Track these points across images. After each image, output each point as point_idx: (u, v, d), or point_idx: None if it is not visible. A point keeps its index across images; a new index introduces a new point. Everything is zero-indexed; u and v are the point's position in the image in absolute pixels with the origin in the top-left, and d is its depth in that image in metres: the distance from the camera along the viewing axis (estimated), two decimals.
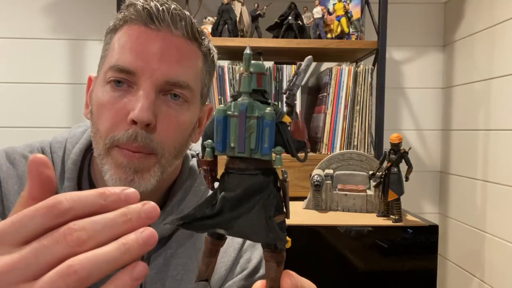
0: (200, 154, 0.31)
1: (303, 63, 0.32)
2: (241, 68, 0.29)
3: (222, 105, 0.29)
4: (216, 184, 0.31)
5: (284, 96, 0.32)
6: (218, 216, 0.28)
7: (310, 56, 0.33)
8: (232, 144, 0.28)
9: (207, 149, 0.29)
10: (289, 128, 0.29)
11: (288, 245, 0.29)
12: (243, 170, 0.28)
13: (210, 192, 0.72)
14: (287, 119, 0.29)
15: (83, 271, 0.25)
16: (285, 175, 0.30)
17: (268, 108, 0.28)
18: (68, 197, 0.27)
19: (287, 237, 0.29)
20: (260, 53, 0.31)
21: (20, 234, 0.26)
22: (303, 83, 0.33)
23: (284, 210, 0.30)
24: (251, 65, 0.29)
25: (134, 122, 0.54)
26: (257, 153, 0.28)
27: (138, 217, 0.27)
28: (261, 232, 0.27)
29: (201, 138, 0.31)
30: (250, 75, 0.29)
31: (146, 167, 0.56)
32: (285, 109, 0.31)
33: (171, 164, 0.60)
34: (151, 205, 0.28)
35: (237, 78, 0.30)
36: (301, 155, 0.30)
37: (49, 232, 0.26)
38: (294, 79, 0.32)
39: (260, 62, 0.30)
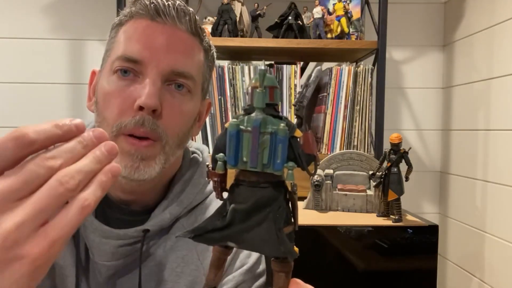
0: (210, 166, 0.31)
1: (313, 75, 0.32)
2: (253, 82, 0.29)
3: (234, 119, 0.29)
4: (225, 195, 0.31)
5: (294, 108, 0.32)
6: (228, 228, 0.28)
7: (319, 67, 0.33)
8: (244, 159, 0.28)
9: (218, 162, 0.29)
10: (299, 141, 0.30)
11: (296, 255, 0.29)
12: (253, 182, 0.29)
13: (210, 195, 0.72)
14: (298, 133, 0.30)
15: (72, 181, 0.30)
16: (295, 188, 0.30)
17: (282, 124, 0.28)
18: (31, 129, 0.30)
19: (295, 247, 0.29)
20: (271, 65, 0.32)
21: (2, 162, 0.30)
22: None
23: (292, 221, 0.30)
24: (265, 80, 0.29)
25: (141, 108, 0.55)
26: (270, 168, 0.28)
27: (92, 142, 0.33)
28: (272, 245, 0.27)
29: (211, 149, 0.31)
30: (264, 91, 0.29)
31: (152, 155, 0.58)
32: (294, 120, 0.31)
33: (174, 153, 0.62)
34: (98, 131, 0.33)
35: (249, 91, 0.30)
36: (310, 168, 0.30)
37: (21, 162, 0.30)
38: (304, 91, 0.32)
39: (272, 75, 0.30)
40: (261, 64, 0.33)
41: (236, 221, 0.28)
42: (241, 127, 0.28)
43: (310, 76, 0.32)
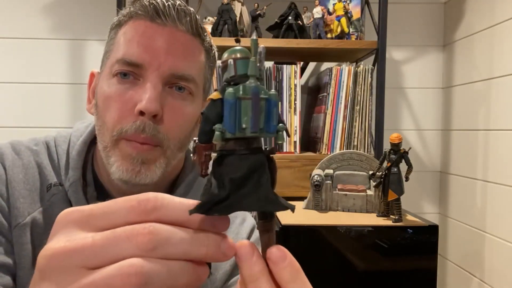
0: (197, 140, 0.31)
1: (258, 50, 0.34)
2: (236, 53, 0.31)
3: (230, 89, 0.30)
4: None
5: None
6: (231, 197, 0.29)
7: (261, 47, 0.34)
8: (244, 125, 0.29)
9: (216, 132, 0.30)
10: None
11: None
12: (243, 150, 0.30)
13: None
14: None
15: (142, 277, 0.25)
16: (274, 151, 0.33)
17: (273, 90, 0.31)
18: (159, 198, 0.27)
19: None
20: (238, 40, 0.33)
21: (104, 220, 0.27)
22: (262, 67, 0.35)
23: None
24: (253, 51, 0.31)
25: (141, 113, 0.55)
26: (264, 132, 0.30)
27: (215, 250, 0.27)
28: (274, 203, 0.30)
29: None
30: (255, 60, 0.31)
31: (152, 159, 0.58)
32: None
33: (175, 157, 0.61)
34: (229, 244, 0.28)
35: (230, 63, 0.31)
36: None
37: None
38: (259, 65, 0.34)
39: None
40: (253, 36, 0.35)
41: (236, 189, 0.29)
42: (239, 95, 0.30)
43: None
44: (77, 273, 0.25)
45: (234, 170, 0.30)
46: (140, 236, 0.25)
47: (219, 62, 0.31)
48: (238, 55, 0.31)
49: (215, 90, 0.31)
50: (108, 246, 0.25)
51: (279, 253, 0.29)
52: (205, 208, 0.28)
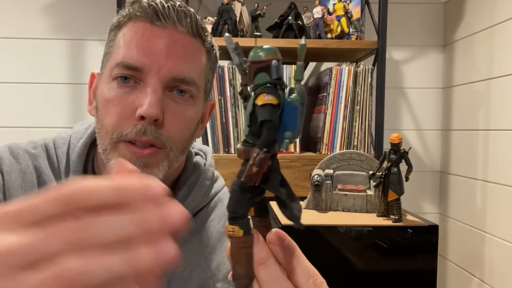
0: (266, 150, 0.29)
1: (227, 46, 0.33)
2: (273, 53, 0.30)
3: (294, 94, 0.30)
4: None
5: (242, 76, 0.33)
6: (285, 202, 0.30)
7: (226, 35, 0.33)
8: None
9: (286, 140, 0.29)
10: None
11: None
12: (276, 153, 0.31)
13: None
14: None
15: (77, 276, 0.23)
16: None
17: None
18: (81, 186, 0.24)
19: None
20: (258, 35, 0.33)
21: (33, 216, 0.24)
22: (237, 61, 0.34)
23: None
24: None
25: (142, 117, 0.55)
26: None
27: (158, 226, 0.24)
28: (293, 194, 0.31)
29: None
30: (303, 65, 0.31)
31: (155, 162, 0.57)
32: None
33: (178, 159, 0.61)
34: (180, 211, 0.25)
35: (275, 64, 0.30)
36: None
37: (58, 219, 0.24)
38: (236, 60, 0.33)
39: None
40: (302, 40, 0.33)
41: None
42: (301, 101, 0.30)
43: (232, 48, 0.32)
44: (11, 275, 0.23)
45: (279, 173, 0.30)
46: (69, 231, 0.23)
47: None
48: (279, 56, 0.30)
49: (262, 93, 0.29)
50: (38, 245, 0.23)
51: (279, 235, 0.31)
52: (299, 220, 0.30)
